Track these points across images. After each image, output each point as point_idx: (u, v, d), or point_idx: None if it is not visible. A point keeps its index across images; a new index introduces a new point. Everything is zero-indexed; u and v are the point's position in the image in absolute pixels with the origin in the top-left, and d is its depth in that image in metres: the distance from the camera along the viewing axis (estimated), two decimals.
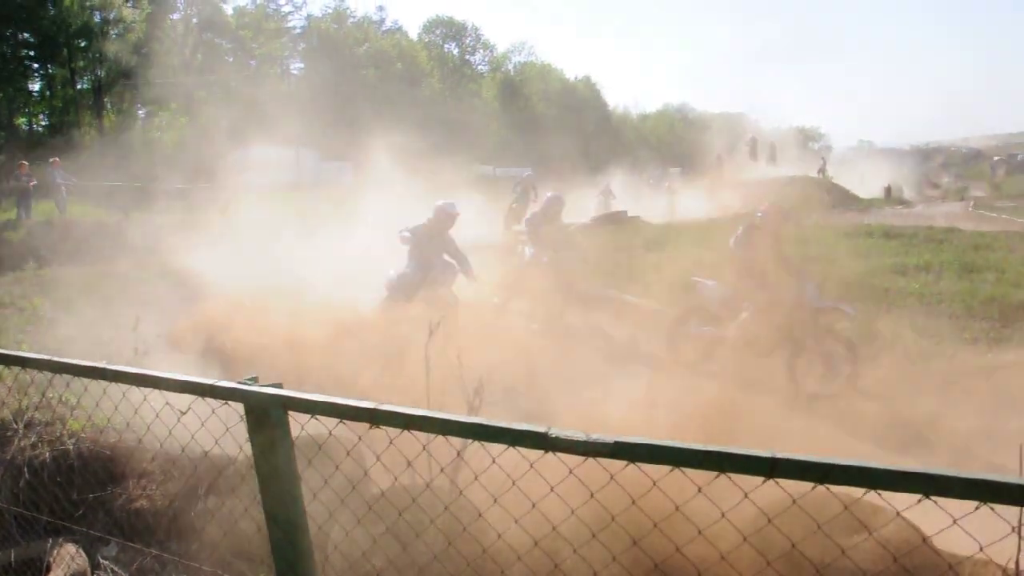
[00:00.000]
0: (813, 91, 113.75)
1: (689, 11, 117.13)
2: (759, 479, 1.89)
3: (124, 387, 3.16)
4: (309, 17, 59.01)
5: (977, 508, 1.79)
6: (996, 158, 48.88)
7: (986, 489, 1.83)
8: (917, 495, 1.85)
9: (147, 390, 3.07)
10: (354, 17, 61.52)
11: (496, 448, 2.26)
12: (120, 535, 4.74)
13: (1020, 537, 2.51)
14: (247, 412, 2.71)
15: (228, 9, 52.75)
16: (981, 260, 16.04)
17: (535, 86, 62.89)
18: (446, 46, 66.19)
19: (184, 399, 2.94)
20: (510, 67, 66.60)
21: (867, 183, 36.71)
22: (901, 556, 2.85)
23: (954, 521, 2.03)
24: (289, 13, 57.83)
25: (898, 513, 2.42)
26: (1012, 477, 1.81)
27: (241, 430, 2.77)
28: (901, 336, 10.57)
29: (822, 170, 38.97)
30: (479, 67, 67.16)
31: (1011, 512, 2.05)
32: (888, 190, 36.56)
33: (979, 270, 15.04)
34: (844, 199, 32.05)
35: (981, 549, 2.03)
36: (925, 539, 2.65)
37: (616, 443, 1.93)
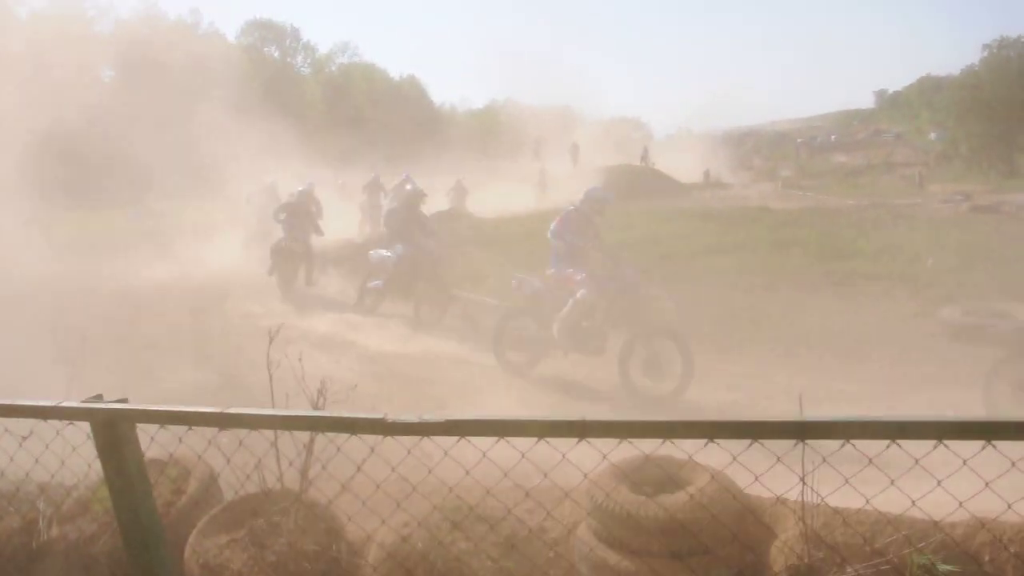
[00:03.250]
0: (631, 82, 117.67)
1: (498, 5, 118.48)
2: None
3: None
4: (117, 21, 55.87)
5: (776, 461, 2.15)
6: (799, 140, 52.69)
7: (760, 430, 2.20)
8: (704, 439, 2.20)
9: None
10: (166, 19, 58.80)
11: (341, 439, 2.46)
12: None
13: (804, 474, 2.91)
14: (94, 430, 2.75)
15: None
16: (789, 236, 17.46)
17: (360, 87, 62.27)
18: (266, 49, 64.46)
19: (25, 424, 2.94)
20: (334, 68, 65.61)
21: (687, 168, 38.63)
22: (713, 507, 3.19)
23: (756, 478, 2.44)
24: (94, 17, 54.52)
25: (712, 476, 2.83)
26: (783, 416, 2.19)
27: (88, 448, 2.81)
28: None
29: (644, 158, 40.53)
30: (302, 69, 65.78)
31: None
32: (707, 174, 38.80)
33: (787, 245, 16.38)
34: (666, 184, 33.67)
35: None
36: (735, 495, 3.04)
37: (447, 421, 2.18)
